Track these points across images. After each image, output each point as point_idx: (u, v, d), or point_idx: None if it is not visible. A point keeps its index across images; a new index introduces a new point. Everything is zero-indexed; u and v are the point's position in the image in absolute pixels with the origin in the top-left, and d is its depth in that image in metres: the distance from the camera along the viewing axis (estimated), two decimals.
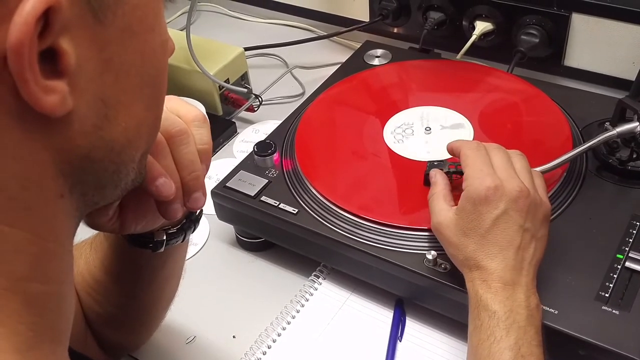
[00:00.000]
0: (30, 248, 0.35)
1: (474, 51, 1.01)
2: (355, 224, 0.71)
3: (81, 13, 0.32)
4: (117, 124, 0.37)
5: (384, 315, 0.73)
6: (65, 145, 0.34)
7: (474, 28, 1.01)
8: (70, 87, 0.33)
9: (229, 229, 0.84)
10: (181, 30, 1.21)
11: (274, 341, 0.72)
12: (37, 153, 0.33)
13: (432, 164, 0.72)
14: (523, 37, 0.96)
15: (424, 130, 0.81)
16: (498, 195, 0.59)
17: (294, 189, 0.76)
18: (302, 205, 0.74)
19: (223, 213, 0.81)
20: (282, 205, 0.75)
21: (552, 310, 0.61)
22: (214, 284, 0.79)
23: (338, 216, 0.72)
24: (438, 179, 0.68)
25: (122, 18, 0.35)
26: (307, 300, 0.75)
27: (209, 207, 0.84)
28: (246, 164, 0.80)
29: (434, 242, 0.68)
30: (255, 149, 0.80)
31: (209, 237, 0.85)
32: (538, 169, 0.70)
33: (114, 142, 0.38)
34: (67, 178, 0.36)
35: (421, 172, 0.73)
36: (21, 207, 0.34)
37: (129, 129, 0.38)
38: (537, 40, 0.95)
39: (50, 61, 0.32)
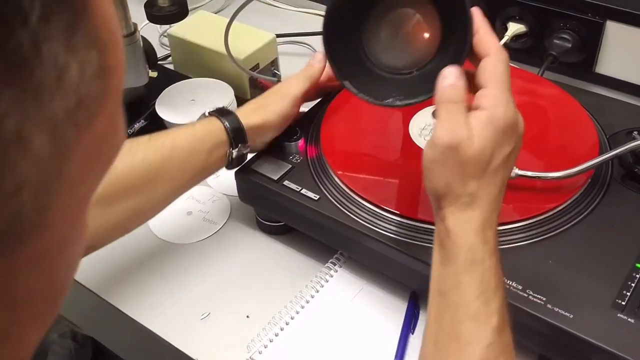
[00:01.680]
0: None
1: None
2: (376, 215, 0.71)
3: None
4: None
5: (398, 307, 0.73)
6: None
7: (506, 29, 1.01)
8: None
9: (249, 211, 0.85)
10: (216, 13, 1.21)
11: (286, 324, 0.72)
12: None
13: None
14: (556, 41, 0.96)
15: None
16: (515, 130, 0.55)
17: (316, 175, 0.77)
18: (324, 192, 0.75)
19: (245, 194, 0.81)
20: (304, 191, 0.75)
21: (568, 314, 0.61)
22: (231, 263, 0.80)
23: (359, 205, 0.72)
24: (460, 83, 0.55)
25: (42, 241, 0.26)
26: (322, 286, 0.76)
27: (231, 189, 0.85)
28: (271, 148, 0.81)
29: None
30: (281, 134, 0.81)
31: (229, 218, 0.86)
32: (562, 173, 0.70)
33: None
34: None
35: None
36: None
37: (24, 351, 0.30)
38: (569, 45, 0.95)
39: None
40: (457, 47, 0.59)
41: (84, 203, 0.29)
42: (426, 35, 0.63)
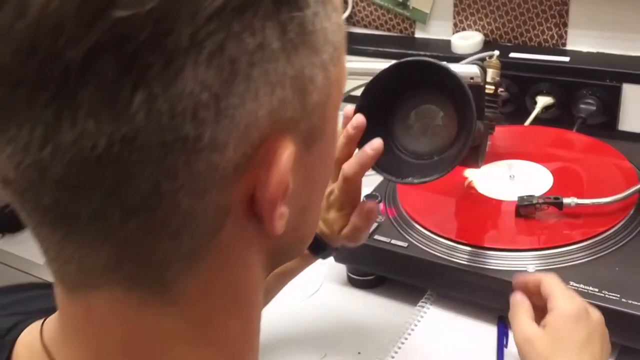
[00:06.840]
0: (243, 329, 0.42)
1: (536, 122, 1.16)
2: (459, 250, 0.84)
3: (300, 152, 0.37)
4: (308, 221, 0.44)
5: (488, 331, 0.84)
6: (271, 248, 0.40)
7: (536, 103, 1.17)
8: (286, 206, 0.37)
9: (340, 273, 0.97)
10: None
11: (392, 358, 0.83)
12: (256, 258, 0.40)
13: (522, 198, 0.85)
14: (582, 105, 1.12)
15: (509, 177, 0.95)
16: (587, 315, 0.65)
17: (401, 228, 0.90)
18: (410, 240, 0.88)
19: (340, 254, 0.94)
20: (393, 241, 0.88)
21: None
22: (334, 313, 0.91)
23: (445, 245, 0.85)
24: (520, 298, 0.69)
25: (322, 142, 0.40)
26: (419, 321, 0.87)
27: None
28: None
29: (528, 260, 0.80)
30: (364, 200, 0.95)
31: (323, 281, 0.98)
32: (612, 198, 0.83)
33: (305, 235, 0.45)
34: (266, 267, 0.42)
35: (507, 209, 0.88)
36: (243, 304, 0.41)
37: (315, 219, 0.46)
38: (594, 108, 1.11)
39: None
40: (465, 137, 0.69)
41: (337, 110, 0.42)
42: (446, 128, 0.73)
